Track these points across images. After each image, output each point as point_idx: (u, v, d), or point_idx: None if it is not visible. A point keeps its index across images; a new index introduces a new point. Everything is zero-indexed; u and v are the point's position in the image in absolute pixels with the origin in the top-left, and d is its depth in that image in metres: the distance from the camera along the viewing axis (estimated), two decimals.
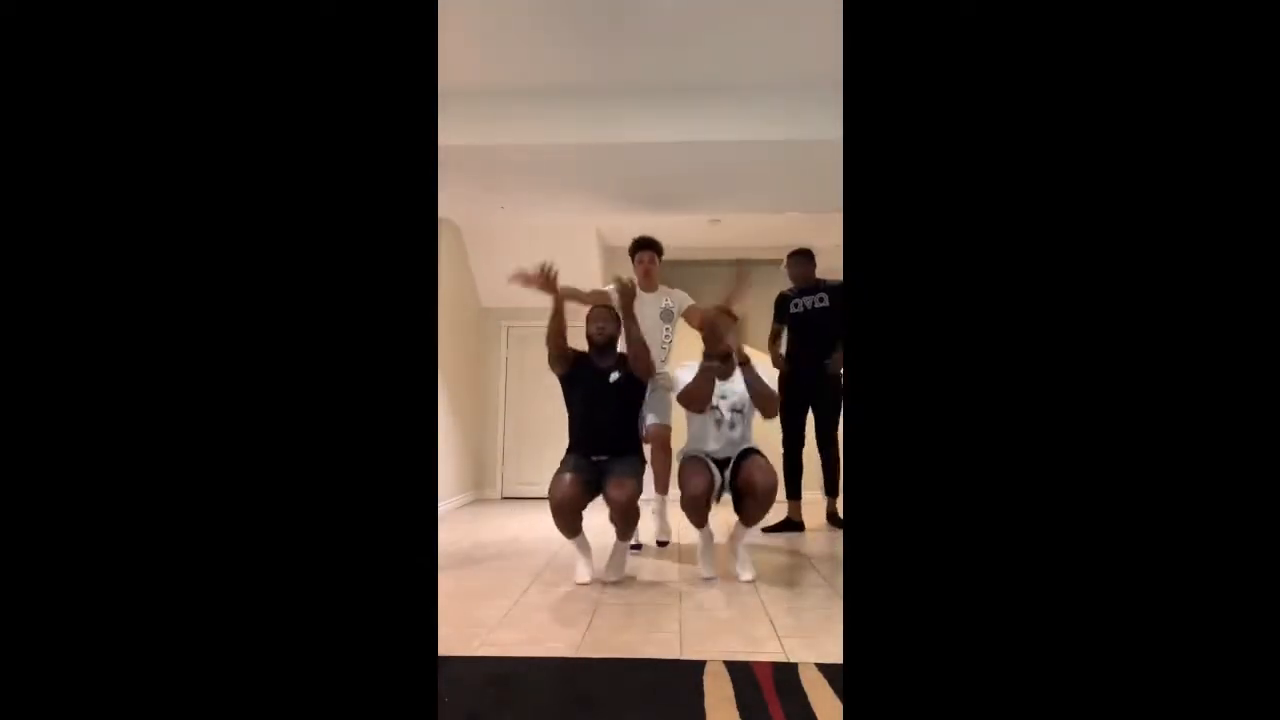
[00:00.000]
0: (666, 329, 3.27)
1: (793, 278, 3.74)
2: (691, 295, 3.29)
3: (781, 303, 3.76)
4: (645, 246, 3.26)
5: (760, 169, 3.20)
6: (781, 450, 3.62)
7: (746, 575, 2.54)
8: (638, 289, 3.03)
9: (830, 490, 3.77)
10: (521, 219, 4.31)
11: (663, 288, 3.30)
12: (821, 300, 3.62)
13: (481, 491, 5.10)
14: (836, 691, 1.49)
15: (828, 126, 2.80)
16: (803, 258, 3.72)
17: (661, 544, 3.21)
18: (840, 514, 3.70)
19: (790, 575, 2.67)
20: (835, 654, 1.74)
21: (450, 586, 2.47)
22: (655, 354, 3.05)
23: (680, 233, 4.69)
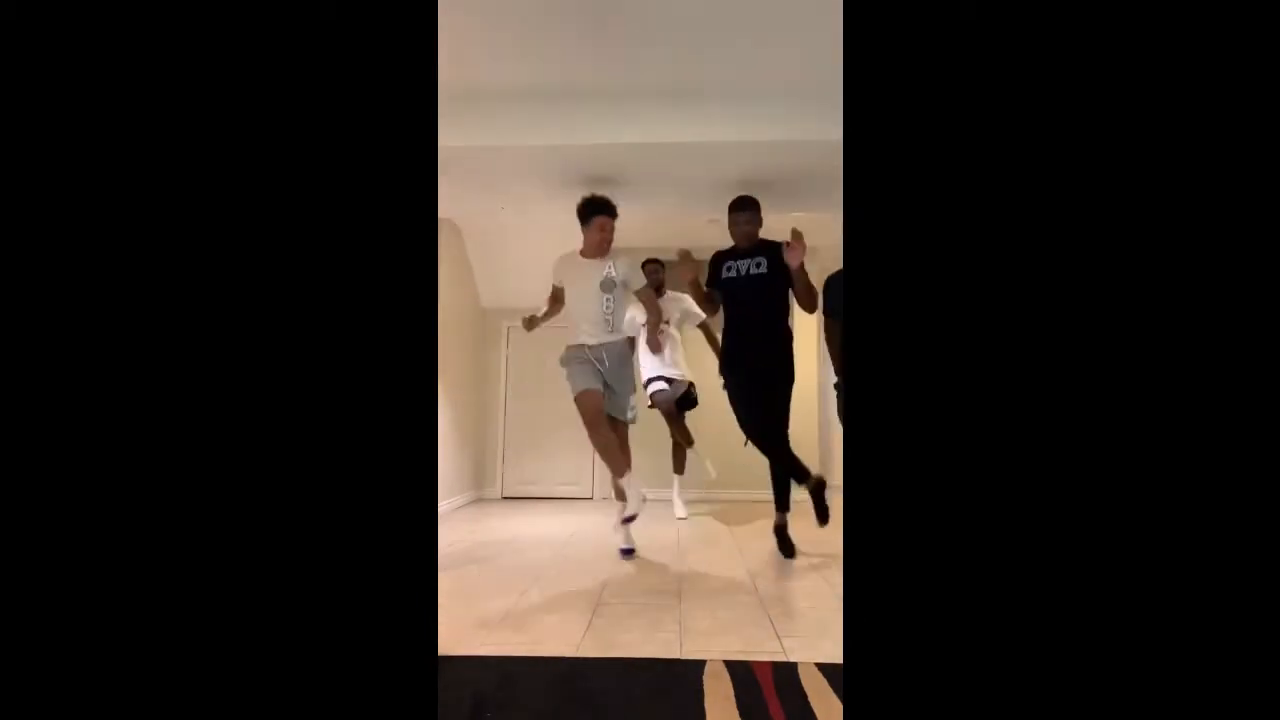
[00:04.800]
0: (608, 299, 2.98)
1: (734, 235, 2.99)
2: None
3: (715, 263, 3.04)
4: (603, 210, 2.97)
5: (760, 169, 3.20)
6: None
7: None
8: (582, 255, 3.01)
9: (781, 504, 3.02)
10: (521, 219, 4.30)
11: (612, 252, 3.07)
12: (759, 266, 2.91)
13: (481, 491, 5.10)
14: (836, 691, 1.49)
15: (828, 126, 2.80)
16: (747, 210, 2.95)
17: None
18: (788, 532, 2.99)
19: (790, 575, 2.66)
20: (835, 654, 1.74)
21: (450, 586, 2.46)
22: (601, 324, 2.95)
23: (680, 233, 4.68)
